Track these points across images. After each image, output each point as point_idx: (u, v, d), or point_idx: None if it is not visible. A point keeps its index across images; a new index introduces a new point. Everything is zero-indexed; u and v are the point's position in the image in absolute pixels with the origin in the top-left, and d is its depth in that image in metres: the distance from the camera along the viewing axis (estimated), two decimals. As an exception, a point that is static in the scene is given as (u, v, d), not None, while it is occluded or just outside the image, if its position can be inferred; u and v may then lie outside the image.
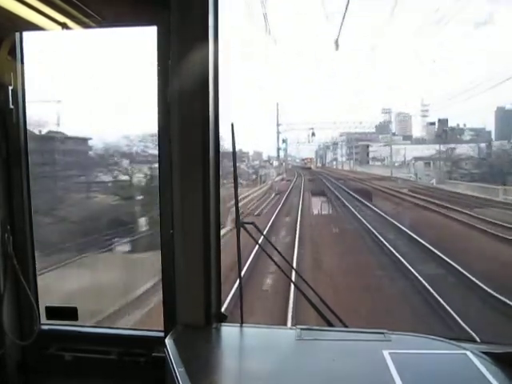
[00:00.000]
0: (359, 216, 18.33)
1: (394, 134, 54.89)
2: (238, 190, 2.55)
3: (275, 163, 54.56)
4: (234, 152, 2.48)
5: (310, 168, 66.52)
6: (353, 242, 14.83)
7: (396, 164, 46.46)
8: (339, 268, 11.82)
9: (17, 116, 2.54)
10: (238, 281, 2.69)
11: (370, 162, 54.61)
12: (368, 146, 55.94)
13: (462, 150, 36.24)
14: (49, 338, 2.64)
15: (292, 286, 9.86)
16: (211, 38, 2.30)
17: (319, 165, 68.08)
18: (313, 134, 41.98)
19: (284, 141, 45.56)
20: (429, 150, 40.83)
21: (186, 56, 2.28)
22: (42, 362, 2.63)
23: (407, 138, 51.56)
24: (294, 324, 8.47)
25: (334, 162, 68.09)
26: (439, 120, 45.65)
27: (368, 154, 55.91)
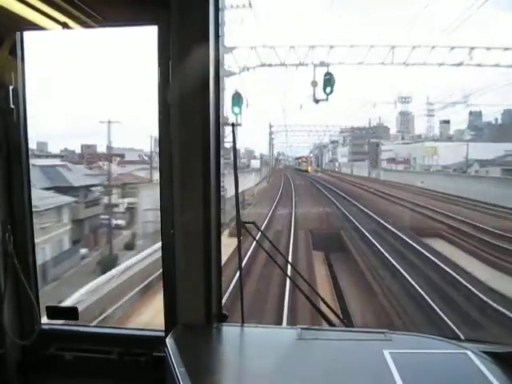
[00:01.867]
0: None
1: (401, 132, 46.73)
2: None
3: (253, 163, 41.74)
4: (234, 152, 2.49)
5: (306, 171, 50.80)
6: None
7: (431, 169, 36.74)
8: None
9: (17, 116, 2.54)
10: (239, 281, 2.69)
11: (384, 165, 44.14)
12: (378, 145, 45.77)
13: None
14: (49, 337, 2.64)
15: (287, 287, 9.96)
16: (212, 37, 2.30)
17: (316, 167, 54.20)
18: (330, 84, 15.24)
19: (236, 97, 15.93)
20: (484, 149, 31.71)
21: (187, 55, 2.28)
22: (42, 362, 2.63)
23: (416, 137, 45.37)
24: (290, 323, 8.50)
25: (337, 164, 55.04)
26: (471, 113, 40.04)
27: (378, 154, 45.98)
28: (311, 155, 57.12)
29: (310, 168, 53.05)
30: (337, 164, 56.04)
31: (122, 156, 29.20)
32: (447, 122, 42.01)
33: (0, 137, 2.52)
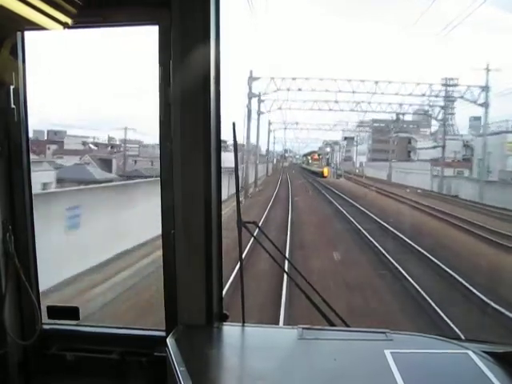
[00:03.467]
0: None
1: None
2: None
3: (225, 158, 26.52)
4: (235, 152, 2.49)
5: (321, 174, 36.75)
6: None
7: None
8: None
9: (18, 115, 2.54)
10: (239, 280, 2.69)
11: (401, 166, 33.07)
12: (410, 141, 36.74)
13: None
14: (50, 337, 2.64)
15: (284, 286, 9.95)
16: (213, 36, 2.30)
17: (337, 169, 40.04)
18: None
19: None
20: None
21: (188, 55, 2.28)
22: (43, 362, 2.63)
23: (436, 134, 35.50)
24: (288, 323, 8.50)
25: (357, 164, 42.30)
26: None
27: (409, 153, 36.75)
28: (328, 149, 42.15)
29: (326, 170, 36.28)
30: (357, 164, 42.48)
31: (61, 144, 24.05)
32: (478, 118, 32.72)
33: (1, 137, 2.52)
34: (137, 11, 2.35)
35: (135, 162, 24.01)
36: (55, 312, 2.69)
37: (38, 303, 2.61)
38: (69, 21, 2.31)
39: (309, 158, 41.43)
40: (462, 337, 6.83)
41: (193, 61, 2.29)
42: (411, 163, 34.08)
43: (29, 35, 2.55)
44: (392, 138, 34.83)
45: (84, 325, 2.83)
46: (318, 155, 40.47)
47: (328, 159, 41.70)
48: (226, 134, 2.50)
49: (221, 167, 2.46)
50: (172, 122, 2.35)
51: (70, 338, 2.68)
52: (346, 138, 41.06)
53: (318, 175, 34.85)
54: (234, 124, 2.42)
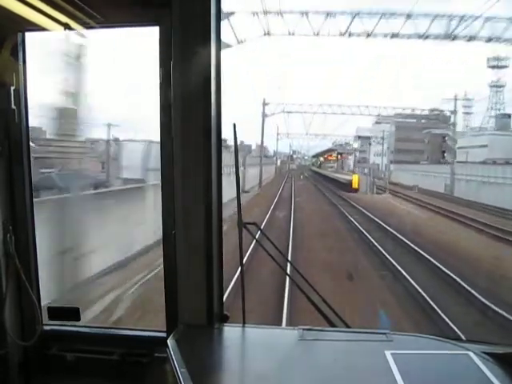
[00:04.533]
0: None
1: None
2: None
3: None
4: (236, 152, 2.49)
5: (350, 187, 24.13)
6: None
7: None
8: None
9: (19, 116, 2.54)
10: (240, 281, 2.69)
11: (466, 172, 25.05)
12: (445, 138, 30.23)
13: None
14: (51, 338, 2.64)
15: (287, 286, 9.95)
16: (213, 37, 2.31)
17: (377, 179, 28.73)
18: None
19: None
20: None
21: (189, 55, 2.29)
22: (43, 363, 2.63)
23: (461, 134, 31.66)
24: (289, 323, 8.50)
25: (383, 167, 33.05)
26: None
27: (444, 152, 30.66)
28: (355, 145, 31.39)
29: (356, 179, 25.00)
30: (383, 168, 33.30)
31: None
32: (508, 115, 29.75)
33: (1, 137, 2.52)
34: (137, 12, 2.35)
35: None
36: (56, 313, 2.69)
37: (38, 304, 2.61)
38: (69, 22, 2.31)
39: (321, 159, 33.26)
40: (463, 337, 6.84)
41: (193, 61, 2.29)
42: (478, 167, 26.61)
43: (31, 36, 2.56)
44: (423, 135, 28.93)
45: (84, 326, 2.83)
46: (339, 154, 30.54)
47: (354, 159, 31.55)
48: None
49: (221, 167, 2.46)
50: (173, 122, 2.36)
51: (70, 339, 2.67)
52: (359, 138, 33.01)
53: (343, 187, 23.56)
54: (234, 125, 2.42)
